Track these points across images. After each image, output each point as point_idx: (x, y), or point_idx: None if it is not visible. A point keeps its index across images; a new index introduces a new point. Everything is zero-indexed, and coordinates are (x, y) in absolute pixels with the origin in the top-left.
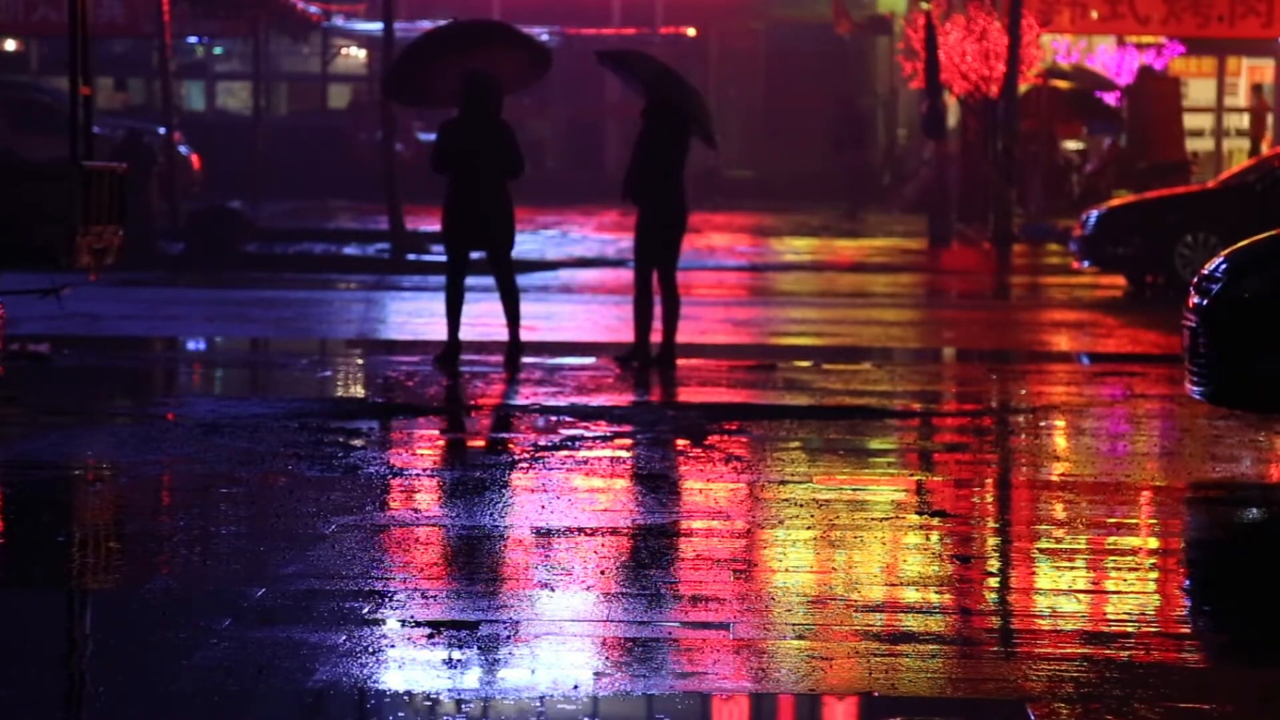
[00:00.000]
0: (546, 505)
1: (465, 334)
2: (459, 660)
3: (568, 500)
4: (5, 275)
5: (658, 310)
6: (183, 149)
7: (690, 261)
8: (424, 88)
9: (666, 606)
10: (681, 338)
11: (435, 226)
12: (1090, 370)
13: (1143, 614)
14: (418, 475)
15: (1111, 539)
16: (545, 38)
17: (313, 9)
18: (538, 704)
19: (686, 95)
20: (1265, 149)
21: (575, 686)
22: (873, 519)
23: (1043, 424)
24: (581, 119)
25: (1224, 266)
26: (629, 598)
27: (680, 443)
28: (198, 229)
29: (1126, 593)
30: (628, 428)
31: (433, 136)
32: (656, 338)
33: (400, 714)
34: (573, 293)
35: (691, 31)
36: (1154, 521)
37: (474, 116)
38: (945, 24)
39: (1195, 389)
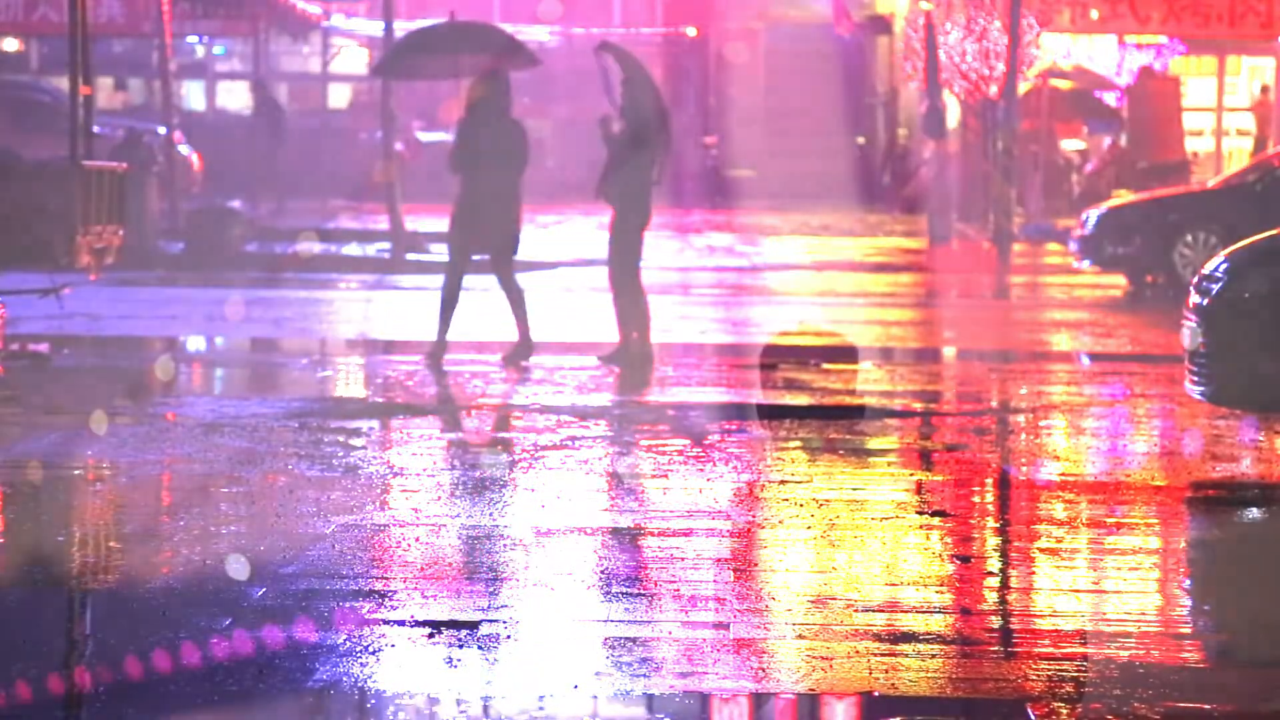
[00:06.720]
0: (546, 505)
1: (467, 334)
2: (459, 660)
3: (567, 500)
4: (5, 275)
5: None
6: (183, 149)
7: (690, 261)
8: (414, 69)
9: (666, 606)
10: (681, 337)
11: (436, 226)
12: (1090, 370)
13: (1143, 614)
14: (417, 475)
15: (1111, 539)
16: (545, 38)
17: (313, 9)
18: (538, 704)
19: (656, 128)
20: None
21: (575, 686)
22: (873, 519)
23: (1043, 424)
24: (581, 118)
25: (1224, 266)
26: (629, 598)
27: (680, 442)
28: (198, 229)
29: (1126, 593)
30: (628, 427)
31: (434, 137)
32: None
33: (400, 714)
34: (573, 292)
35: (692, 31)
36: (1154, 521)
37: (483, 117)
38: (945, 24)
39: (1195, 389)
